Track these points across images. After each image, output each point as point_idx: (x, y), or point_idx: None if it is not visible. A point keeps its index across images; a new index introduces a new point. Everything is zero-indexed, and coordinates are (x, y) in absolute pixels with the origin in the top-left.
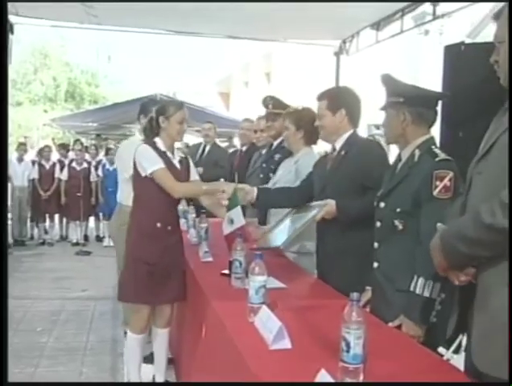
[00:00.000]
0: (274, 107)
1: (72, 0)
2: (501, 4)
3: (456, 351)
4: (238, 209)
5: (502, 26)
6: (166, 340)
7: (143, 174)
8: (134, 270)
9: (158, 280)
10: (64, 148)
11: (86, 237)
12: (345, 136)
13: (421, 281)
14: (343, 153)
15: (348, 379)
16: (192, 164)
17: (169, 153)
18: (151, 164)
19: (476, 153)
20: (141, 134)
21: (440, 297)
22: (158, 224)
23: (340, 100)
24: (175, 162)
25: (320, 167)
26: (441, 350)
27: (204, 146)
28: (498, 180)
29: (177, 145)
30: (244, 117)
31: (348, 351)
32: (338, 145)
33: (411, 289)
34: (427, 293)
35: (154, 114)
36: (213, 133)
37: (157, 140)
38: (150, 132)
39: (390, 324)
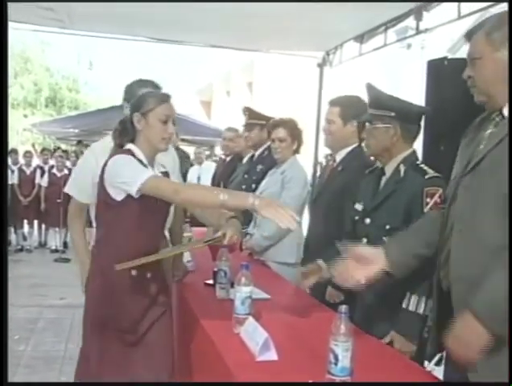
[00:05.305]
0: (250, 117)
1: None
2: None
3: (438, 363)
4: None
5: (477, 44)
6: None
7: (120, 198)
8: (99, 341)
9: (133, 355)
10: (48, 152)
11: (65, 244)
12: (348, 149)
13: (414, 298)
14: (340, 169)
15: None
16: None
17: (150, 168)
18: (137, 175)
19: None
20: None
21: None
22: (134, 272)
23: (353, 110)
24: None
25: (322, 173)
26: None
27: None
28: (491, 194)
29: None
30: (226, 127)
31: (336, 364)
32: (338, 158)
33: (404, 306)
34: (420, 310)
35: (129, 112)
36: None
37: (131, 147)
38: (121, 137)
39: (382, 341)
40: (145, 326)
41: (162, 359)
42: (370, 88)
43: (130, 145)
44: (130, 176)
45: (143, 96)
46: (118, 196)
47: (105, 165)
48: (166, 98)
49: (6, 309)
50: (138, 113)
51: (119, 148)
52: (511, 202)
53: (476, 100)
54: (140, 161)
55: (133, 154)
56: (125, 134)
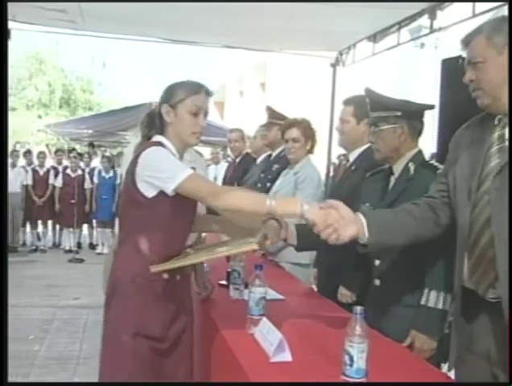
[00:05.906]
0: (270, 117)
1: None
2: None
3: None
4: None
5: (478, 48)
6: None
7: (151, 195)
8: (133, 351)
9: (165, 364)
10: (62, 153)
11: (79, 245)
12: (361, 149)
13: (433, 294)
14: (353, 168)
15: None
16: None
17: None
18: (175, 172)
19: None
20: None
21: (452, 307)
22: (166, 275)
23: (367, 109)
24: None
25: (336, 173)
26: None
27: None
28: None
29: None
30: (232, 128)
31: (351, 365)
32: (352, 158)
33: (423, 302)
34: (440, 306)
35: (158, 104)
36: None
37: (161, 139)
38: (148, 128)
39: (404, 344)
40: (174, 333)
41: (186, 369)
42: (370, 92)
43: (159, 137)
44: (167, 172)
45: (174, 86)
46: (150, 193)
47: (136, 158)
48: (198, 88)
49: (6, 309)
50: (167, 105)
51: (147, 140)
52: (511, 200)
53: (479, 103)
54: (172, 154)
55: (164, 147)
56: (152, 127)
